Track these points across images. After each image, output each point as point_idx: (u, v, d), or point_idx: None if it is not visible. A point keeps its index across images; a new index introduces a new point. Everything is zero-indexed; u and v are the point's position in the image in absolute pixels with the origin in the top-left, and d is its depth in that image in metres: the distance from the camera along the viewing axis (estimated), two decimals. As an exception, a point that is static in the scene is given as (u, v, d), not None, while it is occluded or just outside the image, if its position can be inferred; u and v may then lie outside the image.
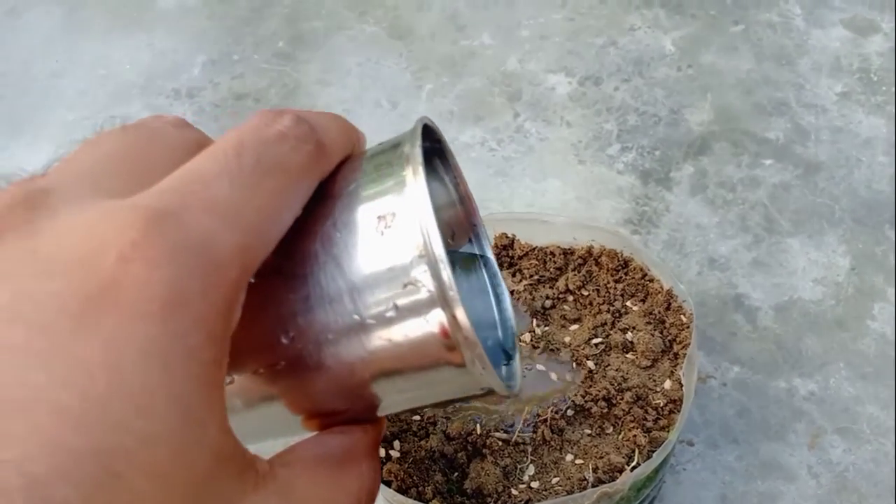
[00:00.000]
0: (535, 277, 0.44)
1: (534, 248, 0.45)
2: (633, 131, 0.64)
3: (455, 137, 0.65)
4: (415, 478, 0.35)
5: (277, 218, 0.18)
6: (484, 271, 0.27)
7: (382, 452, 0.36)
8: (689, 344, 0.38)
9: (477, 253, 0.27)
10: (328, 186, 0.21)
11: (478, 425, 0.38)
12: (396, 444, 0.37)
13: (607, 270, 0.43)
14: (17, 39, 0.79)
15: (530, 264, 0.45)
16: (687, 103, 0.65)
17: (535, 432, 0.37)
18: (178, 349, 0.14)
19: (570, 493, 0.34)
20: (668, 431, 0.36)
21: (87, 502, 0.13)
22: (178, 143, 0.19)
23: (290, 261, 0.20)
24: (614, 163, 0.62)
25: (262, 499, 0.17)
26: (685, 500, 0.46)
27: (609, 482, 0.35)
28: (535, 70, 0.69)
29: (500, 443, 0.37)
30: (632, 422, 0.37)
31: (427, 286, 0.19)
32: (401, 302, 0.19)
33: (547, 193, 0.61)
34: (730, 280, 0.55)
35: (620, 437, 0.37)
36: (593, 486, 0.35)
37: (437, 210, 0.27)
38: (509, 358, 0.25)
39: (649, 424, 0.37)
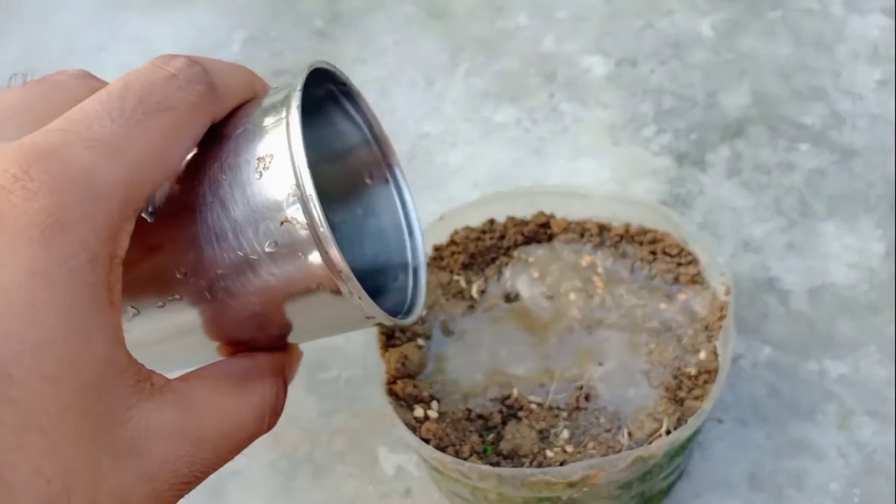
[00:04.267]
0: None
1: (570, 223, 0.46)
2: (669, 114, 0.64)
3: (490, 116, 0.66)
4: (452, 437, 0.36)
5: (164, 154, 0.19)
6: (398, 203, 0.29)
7: (421, 412, 0.37)
8: (725, 316, 0.38)
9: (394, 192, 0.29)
10: (222, 128, 0.22)
11: (514, 389, 0.38)
12: (435, 405, 0.38)
13: (643, 245, 0.44)
14: (61, 13, 0.81)
15: (567, 238, 0.45)
16: (724, 87, 0.65)
17: (569, 398, 0.38)
18: (61, 269, 0.16)
19: (604, 455, 0.35)
20: (702, 401, 0.37)
21: None
22: (79, 91, 0.21)
23: (181, 201, 0.21)
24: (649, 144, 0.62)
25: (157, 406, 0.18)
26: (714, 476, 0.47)
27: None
28: (571, 51, 0.69)
29: (536, 406, 0.38)
30: (666, 391, 0.38)
31: (302, 224, 0.20)
32: (280, 239, 0.20)
33: (581, 173, 0.61)
34: (763, 263, 0.55)
35: (654, 405, 0.38)
36: (628, 450, 0.35)
37: (350, 150, 0.29)
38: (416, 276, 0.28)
39: (683, 394, 0.38)
